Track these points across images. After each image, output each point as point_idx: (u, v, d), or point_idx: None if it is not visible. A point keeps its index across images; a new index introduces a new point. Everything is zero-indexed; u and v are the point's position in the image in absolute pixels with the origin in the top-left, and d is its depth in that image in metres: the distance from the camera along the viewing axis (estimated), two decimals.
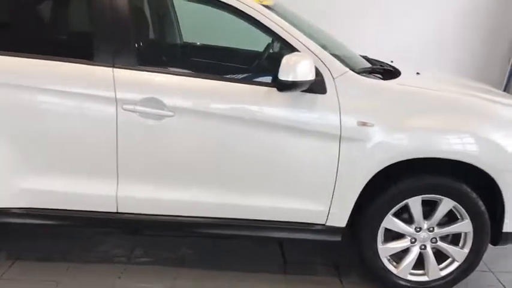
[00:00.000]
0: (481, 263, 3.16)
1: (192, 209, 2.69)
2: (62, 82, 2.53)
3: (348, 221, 2.71)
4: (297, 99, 2.54)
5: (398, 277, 2.80)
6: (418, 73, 3.12)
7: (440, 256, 2.81)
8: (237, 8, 2.56)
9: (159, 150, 2.61)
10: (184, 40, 3.03)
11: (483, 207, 2.68)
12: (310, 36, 2.75)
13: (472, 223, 2.70)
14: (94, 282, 2.79)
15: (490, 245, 2.94)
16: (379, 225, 2.71)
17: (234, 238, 2.88)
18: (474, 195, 2.66)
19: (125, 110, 2.53)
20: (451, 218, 2.74)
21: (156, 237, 3.29)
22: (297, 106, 2.55)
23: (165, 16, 2.88)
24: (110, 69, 2.53)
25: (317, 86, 2.54)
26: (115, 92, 2.52)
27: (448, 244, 2.78)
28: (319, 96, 2.56)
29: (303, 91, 2.52)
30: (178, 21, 2.98)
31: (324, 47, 2.76)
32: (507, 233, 2.75)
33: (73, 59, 2.55)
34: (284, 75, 2.37)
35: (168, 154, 2.62)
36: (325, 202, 2.67)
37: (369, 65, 3.10)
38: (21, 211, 2.71)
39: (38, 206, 2.70)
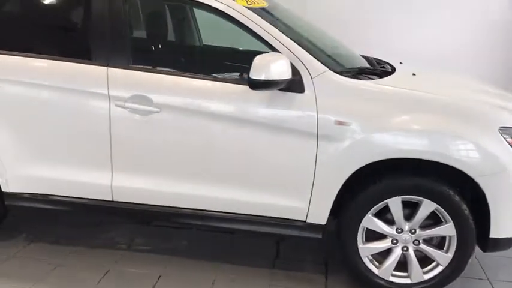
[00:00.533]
0: (479, 270, 3.11)
1: (175, 200, 2.84)
2: (64, 79, 2.79)
3: (329, 218, 2.75)
4: (275, 98, 2.63)
5: (380, 278, 2.79)
6: (414, 74, 3.09)
7: (426, 259, 2.77)
8: (215, 8, 2.69)
9: (147, 144, 2.79)
10: (176, 40, 3.20)
11: (467, 211, 2.62)
12: (300, 35, 2.85)
13: (456, 227, 2.64)
14: (91, 265, 3.01)
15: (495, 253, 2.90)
16: (359, 225, 2.72)
17: (217, 231, 2.99)
18: (457, 198, 2.60)
19: (116, 106, 2.75)
20: (436, 220, 2.70)
21: (161, 227, 3.48)
22: (275, 104, 2.64)
23: (156, 17, 3.07)
24: (105, 68, 2.76)
25: (295, 85, 2.62)
26: (108, 89, 2.74)
27: (431, 247, 2.73)
28: (297, 95, 2.63)
29: (282, 90, 2.61)
30: (166, 22, 3.17)
31: (314, 45, 2.84)
32: (494, 239, 2.66)
33: (74, 58, 2.81)
34: (255, 74, 2.47)
35: (155, 148, 2.79)
36: (304, 199, 2.72)
37: (365, 64, 3.12)
38: (30, 196, 3.00)
39: (43, 192, 2.98)
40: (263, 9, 2.91)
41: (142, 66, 2.77)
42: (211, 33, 3.05)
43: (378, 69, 3.08)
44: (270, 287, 2.87)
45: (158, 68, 2.77)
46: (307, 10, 5.08)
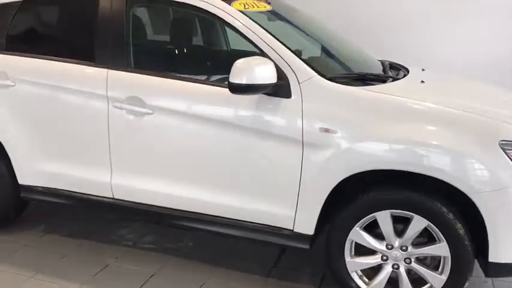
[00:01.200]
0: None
1: (167, 201, 2.89)
2: (69, 80, 2.95)
3: (317, 229, 2.66)
4: (262, 103, 2.59)
5: None
6: (422, 81, 2.90)
7: (420, 280, 2.58)
8: (208, 11, 2.71)
9: (141, 144, 2.87)
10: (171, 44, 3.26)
11: (462, 231, 2.40)
12: (297, 40, 2.78)
13: (450, 247, 2.44)
14: (94, 258, 3.14)
15: None
16: (346, 237, 2.59)
17: (207, 233, 2.98)
18: (451, 216, 2.40)
19: (114, 107, 2.85)
20: (431, 239, 2.51)
21: (173, 228, 3.54)
22: (261, 109, 2.60)
23: (153, 25, 3.15)
24: (105, 70, 2.88)
25: (282, 89, 2.56)
26: (107, 90, 2.85)
27: (424, 267, 2.54)
28: (284, 100, 2.57)
29: (269, 95, 2.57)
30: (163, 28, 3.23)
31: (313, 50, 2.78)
32: (494, 264, 2.42)
33: (80, 61, 2.97)
34: (235, 78, 2.44)
35: (148, 149, 2.86)
36: (290, 207, 2.65)
37: (378, 69, 3.03)
38: (42, 189, 3.20)
39: (53, 186, 3.16)
40: (261, 12, 2.89)
41: (137, 69, 2.85)
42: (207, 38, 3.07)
43: (382, 75, 2.93)
44: None
45: (151, 71, 2.83)
46: (349, 15, 5.01)
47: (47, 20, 3.26)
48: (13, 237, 3.38)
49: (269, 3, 3.07)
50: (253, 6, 2.89)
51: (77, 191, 3.12)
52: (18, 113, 3.10)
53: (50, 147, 3.10)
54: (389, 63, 3.36)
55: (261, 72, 2.46)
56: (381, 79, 2.84)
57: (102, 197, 3.06)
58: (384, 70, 3.16)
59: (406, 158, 2.38)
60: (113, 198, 3.04)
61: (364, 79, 2.79)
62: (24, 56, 3.09)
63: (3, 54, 3.14)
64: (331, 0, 4.94)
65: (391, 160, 2.41)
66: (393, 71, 3.19)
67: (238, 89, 2.47)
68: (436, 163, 2.34)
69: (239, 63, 2.45)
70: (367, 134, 2.44)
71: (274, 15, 3.12)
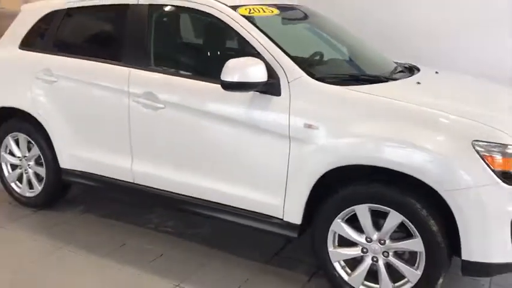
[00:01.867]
0: None
1: (174, 186, 3.20)
2: (100, 77, 3.38)
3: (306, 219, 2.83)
4: (254, 100, 2.82)
5: (350, 285, 2.77)
6: (418, 82, 2.98)
7: (400, 274, 2.67)
8: (215, 16, 3.00)
9: (155, 135, 3.21)
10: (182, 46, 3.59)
11: (435, 228, 2.47)
12: (295, 42, 3.01)
13: (424, 243, 2.51)
14: (115, 238, 3.52)
15: None
16: (329, 228, 2.75)
17: (208, 218, 3.23)
18: (424, 212, 2.48)
19: (133, 101, 3.22)
20: (408, 234, 2.59)
21: (198, 216, 3.85)
22: (254, 105, 2.83)
23: (168, 30, 3.49)
24: (128, 69, 3.26)
25: (273, 88, 2.78)
26: (128, 87, 3.23)
27: (401, 261, 2.63)
28: (274, 97, 2.78)
29: (261, 92, 2.80)
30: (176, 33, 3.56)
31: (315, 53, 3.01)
32: (467, 262, 2.46)
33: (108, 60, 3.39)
34: (226, 76, 2.69)
35: (160, 139, 3.20)
36: (280, 197, 2.84)
37: (389, 69, 3.28)
38: (80, 173, 3.65)
39: (87, 170, 3.60)
40: (272, 16, 3.14)
41: (153, 68, 3.20)
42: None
43: (379, 76, 3.04)
44: (248, 280, 3.04)
45: (164, 70, 3.17)
46: (379, 22, 5.05)
47: (84, 26, 3.73)
48: (55, 214, 3.89)
49: (278, 8, 3.30)
50: (259, 11, 3.13)
51: (105, 175, 3.53)
52: (59, 105, 3.57)
53: (84, 135, 3.54)
54: (404, 65, 3.46)
55: (251, 71, 2.69)
56: (376, 80, 2.96)
57: (125, 181, 3.44)
58: (394, 71, 3.27)
59: (379, 154, 2.50)
60: (134, 183, 3.41)
61: (358, 79, 2.93)
62: (65, 56, 3.57)
63: (49, 54, 3.64)
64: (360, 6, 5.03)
65: (365, 156, 2.54)
66: (403, 72, 3.29)
67: (229, 86, 2.72)
68: (406, 160, 2.44)
69: (231, 62, 2.71)
70: (346, 130, 2.59)
71: (291, 19, 3.36)
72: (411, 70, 3.45)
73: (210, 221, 3.71)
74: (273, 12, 3.24)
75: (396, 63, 3.60)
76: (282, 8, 3.47)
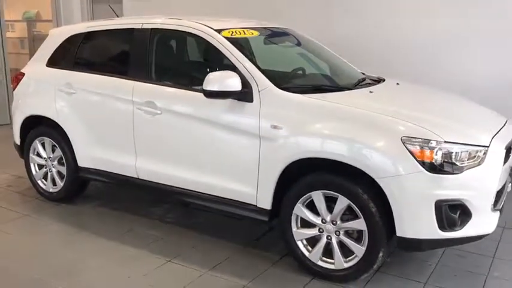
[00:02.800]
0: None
1: (169, 179, 3.81)
2: (110, 89, 4.05)
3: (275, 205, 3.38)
4: (232, 106, 3.42)
5: (310, 261, 3.29)
6: (371, 91, 3.53)
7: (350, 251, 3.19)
8: (204, 38, 3.65)
9: (154, 136, 3.84)
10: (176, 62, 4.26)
11: (374, 209, 2.99)
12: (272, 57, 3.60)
13: (366, 222, 3.03)
14: (123, 226, 4.13)
15: None
16: (292, 212, 3.29)
17: (198, 207, 3.80)
18: (365, 196, 3.01)
19: (136, 108, 3.86)
20: (355, 216, 3.11)
21: (199, 210, 4.42)
22: (232, 110, 3.43)
23: (165, 49, 4.13)
24: (132, 82, 3.92)
25: (247, 96, 3.37)
26: (133, 96, 3.88)
27: (350, 239, 3.15)
28: (247, 104, 3.37)
29: (238, 100, 3.39)
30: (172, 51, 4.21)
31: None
32: (401, 238, 2.97)
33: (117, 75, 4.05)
34: (207, 86, 3.30)
35: (158, 139, 3.83)
36: (253, 187, 3.41)
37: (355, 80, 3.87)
38: (94, 170, 4.30)
39: (99, 168, 4.25)
40: (245, 38, 3.74)
41: (153, 81, 3.85)
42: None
43: (338, 86, 3.62)
44: (228, 258, 3.60)
45: (161, 82, 3.82)
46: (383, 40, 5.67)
47: (99, 47, 4.45)
48: (73, 207, 4.55)
49: (259, 30, 3.92)
50: (241, 33, 3.75)
51: (114, 172, 4.17)
52: (77, 113, 4.25)
53: (97, 137, 4.20)
54: (373, 78, 4.06)
55: (227, 81, 3.29)
56: (334, 89, 3.53)
57: (131, 177, 4.07)
58: (357, 82, 3.84)
59: (327, 149, 3.06)
60: (138, 178, 4.04)
61: (319, 89, 3.50)
62: (83, 72, 4.27)
63: (70, 70, 4.35)
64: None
65: (316, 150, 3.10)
66: (366, 83, 3.85)
67: (210, 94, 3.33)
68: (349, 153, 2.99)
69: (211, 75, 3.32)
70: (303, 130, 3.16)
71: (272, 39, 4.00)
72: (377, 81, 4.00)
73: (204, 213, 4.31)
74: (253, 34, 3.86)
75: (366, 76, 4.16)
76: (263, 29, 4.09)
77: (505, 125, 3.43)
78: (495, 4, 5.26)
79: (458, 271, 3.42)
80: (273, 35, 4.26)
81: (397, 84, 3.99)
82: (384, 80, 4.08)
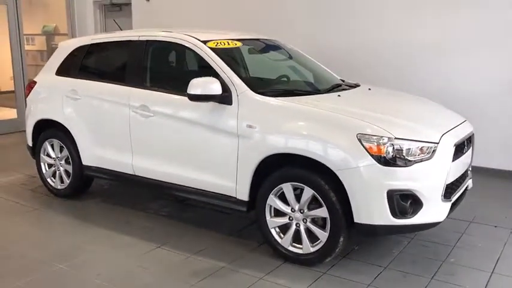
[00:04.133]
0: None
1: (162, 175, 4.24)
2: (110, 94, 4.51)
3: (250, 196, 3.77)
4: (214, 108, 3.84)
5: (282, 246, 3.67)
6: (339, 95, 3.92)
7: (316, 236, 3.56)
8: (188, 47, 4.10)
9: (148, 136, 4.28)
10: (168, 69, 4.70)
11: (334, 198, 3.37)
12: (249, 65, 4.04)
13: (328, 210, 3.41)
14: (120, 218, 4.56)
15: None
16: (266, 202, 3.68)
17: (186, 200, 4.20)
18: (327, 187, 3.39)
19: (132, 111, 4.32)
20: (320, 205, 3.48)
21: (191, 204, 4.87)
22: (214, 112, 3.85)
23: (158, 59, 4.58)
24: (129, 88, 4.38)
25: (227, 99, 3.79)
26: (129, 101, 4.34)
27: (315, 226, 3.52)
28: (227, 106, 3.79)
29: (219, 102, 3.81)
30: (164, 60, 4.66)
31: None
32: (358, 224, 3.33)
33: (117, 82, 4.52)
34: (191, 90, 3.73)
35: (151, 139, 4.27)
36: (233, 180, 3.81)
37: (328, 86, 4.29)
38: (95, 168, 4.76)
39: (100, 165, 4.71)
40: (227, 48, 4.17)
41: (147, 87, 4.31)
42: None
43: (311, 90, 4.02)
44: (213, 244, 4.00)
45: (154, 88, 4.27)
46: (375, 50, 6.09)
47: (101, 57, 4.95)
48: (78, 203, 5.01)
49: (242, 41, 4.36)
50: (225, 44, 4.18)
51: (113, 169, 4.62)
52: (82, 116, 4.73)
53: (98, 138, 4.66)
54: (349, 84, 4.47)
55: (209, 86, 3.72)
56: (306, 93, 3.94)
57: (128, 174, 4.51)
58: (331, 87, 4.24)
59: (293, 145, 3.46)
60: (134, 175, 4.48)
61: (292, 93, 3.91)
62: (87, 79, 4.75)
63: (76, 78, 4.84)
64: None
65: (283, 146, 3.50)
66: (341, 88, 4.25)
67: (193, 97, 3.76)
68: (311, 148, 3.38)
69: (195, 80, 3.75)
70: (273, 129, 3.56)
71: (255, 49, 4.44)
72: (352, 87, 4.40)
73: (195, 208, 4.73)
74: (236, 44, 4.29)
75: (343, 82, 4.56)
76: (248, 40, 4.53)
77: (460, 124, 3.78)
78: (473, 16, 5.63)
79: (418, 258, 3.76)
80: (258, 46, 4.69)
81: (369, 89, 4.38)
82: (358, 86, 4.47)
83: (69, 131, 4.83)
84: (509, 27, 5.47)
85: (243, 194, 3.79)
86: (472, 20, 5.65)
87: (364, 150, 3.26)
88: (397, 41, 6.12)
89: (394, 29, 6.12)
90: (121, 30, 5.40)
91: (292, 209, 3.60)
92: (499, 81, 5.61)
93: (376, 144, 3.25)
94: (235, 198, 3.85)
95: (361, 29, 6.35)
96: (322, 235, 3.49)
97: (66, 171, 5.02)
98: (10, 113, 8.89)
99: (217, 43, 4.14)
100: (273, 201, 3.65)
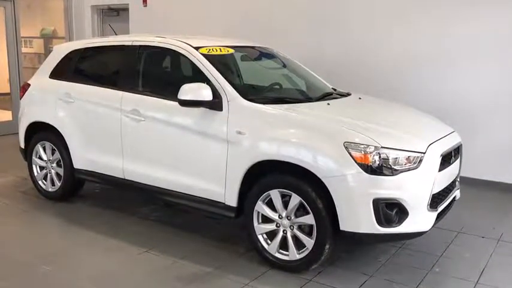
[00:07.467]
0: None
1: (152, 180, 4.25)
2: (102, 98, 4.54)
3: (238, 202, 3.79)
4: (205, 114, 3.87)
5: (269, 252, 3.68)
6: (328, 104, 3.95)
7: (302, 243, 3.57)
8: (182, 54, 4.13)
9: (139, 140, 4.30)
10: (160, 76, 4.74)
11: (321, 206, 3.38)
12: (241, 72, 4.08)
13: (314, 217, 3.43)
14: (111, 221, 4.58)
15: None
16: (254, 208, 3.70)
17: (174, 205, 4.21)
18: (314, 194, 3.40)
19: (124, 115, 4.34)
20: (307, 212, 3.50)
21: (181, 209, 4.87)
22: (204, 118, 3.87)
23: (149, 65, 4.61)
24: (121, 92, 4.41)
25: (217, 105, 3.82)
26: (121, 105, 4.37)
27: (302, 233, 3.53)
28: (218, 112, 3.82)
29: (210, 108, 3.84)
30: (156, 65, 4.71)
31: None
32: (344, 232, 3.35)
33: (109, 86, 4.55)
34: (181, 96, 3.75)
35: (142, 143, 4.29)
36: (222, 186, 3.83)
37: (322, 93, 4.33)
38: (86, 171, 4.78)
39: (91, 169, 4.72)
40: (220, 55, 4.21)
41: (138, 91, 4.33)
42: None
43: (302, 98, 4.06)
44: (202, 248, 4.01)
45: (145, 93, 4.30)
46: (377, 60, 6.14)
47: (94, 61, 4.98)
48: (69, 205, 5.02)
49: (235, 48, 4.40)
50: (217, 51, 4.22)
51: (104, 172, 4.63)
52: (74, 120, 4.75)
53: (90, 141, 4.68)
54: (341, 93, 4.52)
55: (199, 92, 3.75)
56: (296, 101, 3.97)
57: (118, 177, 4.53)
58: (322, 96, 4.27)
59: (281, 152, 3.48)
60: (124, 178, 4.49)
61: (283, 100, 3.94)
62: (80, 83, 4.78)
63: (69, 82, 4.86)
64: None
65: (272, 153, 3.52)
66: (333, 97, 4.29)
67: (184, 103, 3.79)
68: (299, 156, 3.40)
69: (186, 86, 3.77)
70: (262, 136, 3.59)
71: (246, 56, 4.48)
72: (343, 95, 4.43)
73: (184, 213, 4.74)
74: (229, 51, 4.33)
75: (335, 90, 4.60)
76: (240, 48, 4.57)
77: (447, 135, 3.82)
78: (466, 28, 5.69)
79: (404, 267, 3.77)
80: (253, 54, 4.74)
81: (359, 98, 4.41)
82: (349, 95, 4.51)
83: (61, 134, 4.85)
84: (499, 40, 5.52)
85: (232, 200, 3.81)
86: (465, 32, 5.70)
87: (351, 158, 3.28)
88: (391, 50, 6.17)
89: (388, 38, 6.17)
90: (116, 34, 5.42)
91: (279, 215, 3.61)
92: (488, 93, 5.65)
93: (362, 152, 3.27)
94: (224, 204, 3.87)
95: (354, 38, 6.41)
96: (309, 242, 3.50)
97: (57, 174, 5.03)
98: (5, 115, 8.90)
99: (210, 49, 4.18)
100: (261, 207, 3.67)
